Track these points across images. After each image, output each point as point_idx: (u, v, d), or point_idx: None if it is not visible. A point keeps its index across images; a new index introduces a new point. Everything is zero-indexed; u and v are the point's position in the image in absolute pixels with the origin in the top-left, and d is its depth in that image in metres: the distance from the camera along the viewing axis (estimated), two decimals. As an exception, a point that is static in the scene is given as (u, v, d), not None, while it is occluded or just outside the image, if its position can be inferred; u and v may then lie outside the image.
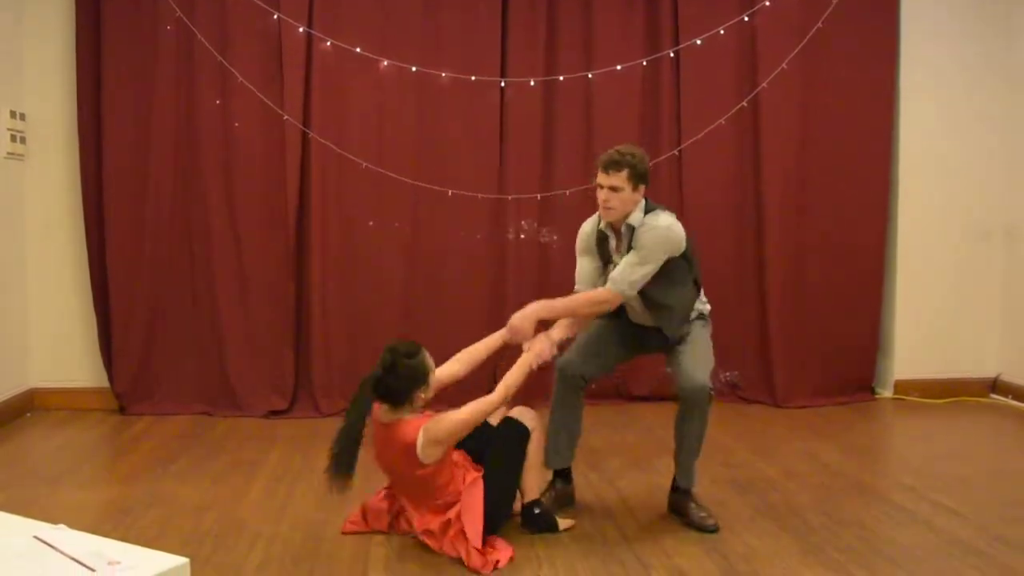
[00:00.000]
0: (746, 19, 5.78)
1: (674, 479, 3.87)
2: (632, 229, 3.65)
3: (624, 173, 3.58)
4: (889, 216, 6.14)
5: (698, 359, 3.72)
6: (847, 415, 5.77)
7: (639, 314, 3.79)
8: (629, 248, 3.65)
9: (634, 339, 3.89)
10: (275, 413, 5.62)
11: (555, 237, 5.67)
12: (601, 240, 3.76)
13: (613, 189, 3.59)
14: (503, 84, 5.68)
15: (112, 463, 4.81)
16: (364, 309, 5.75)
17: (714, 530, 3.65)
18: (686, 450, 3.80)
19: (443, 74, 5.60)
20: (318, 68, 5.62)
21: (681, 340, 3.78)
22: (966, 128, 6.14)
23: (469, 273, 5.81)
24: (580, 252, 3.87)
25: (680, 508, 3.80)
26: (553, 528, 3.62)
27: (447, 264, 5.80)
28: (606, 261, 3.77)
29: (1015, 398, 6.00)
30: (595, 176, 3.66)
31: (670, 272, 3.68)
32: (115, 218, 5.57)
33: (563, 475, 3.98)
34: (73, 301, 5.71)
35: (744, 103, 5.85)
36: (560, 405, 3.89)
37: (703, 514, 3.73)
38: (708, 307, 3.90)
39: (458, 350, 5.63)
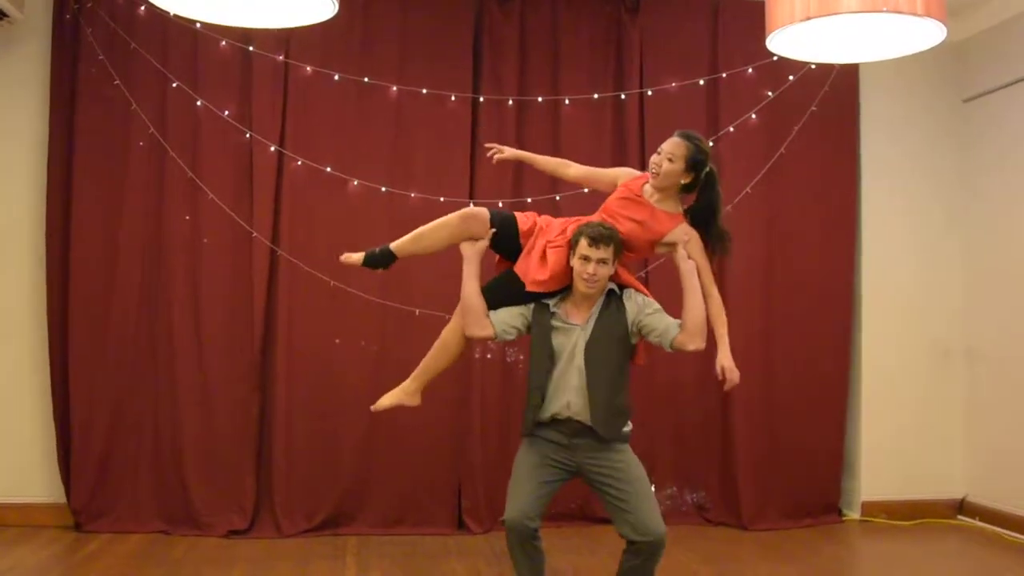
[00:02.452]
0: (711, 143, 5.90)
1: None
2: (612, 295, 3.69)
3: (612, 248, 3.61)
4: (852, 337, 6.20)
5: (650, 503, 3.66)
6: (813, 538, 5.72)
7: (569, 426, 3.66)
8: (597, 316, 3.66)
9: (556, 472, 3.74)
10: (235, 532, 5.50)
11: (521, 356, 5.68)
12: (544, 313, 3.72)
13: (602, 262, 3.60)
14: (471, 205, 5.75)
15: (63, 586, 4.69)
16: (328, 427, 5.68)
17: None
18: None
19: (412, 194, 5.67)
20: (288, 186, 5.67)
21: (611, 472, 3.67)
22: (927, 249, 6.29)
23: (434, 393, 5.75)
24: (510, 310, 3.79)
25: None
26: None
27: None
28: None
29: (982, 520, 5.98)
30: (573, 251, 3.64)
31: (623, 372, 3.71)
32: (79, 332, 5.51)
33: None
34: (32, 415, 5.62)
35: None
36: (521, 554, 3.71)
37: None
38: (630, 425, 3.80)
39: (421, 472, 5.68)
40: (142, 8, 5.45)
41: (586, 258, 3.60)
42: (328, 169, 5.59)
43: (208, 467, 5.59)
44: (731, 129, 5.90)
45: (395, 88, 5.71)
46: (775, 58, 4.84)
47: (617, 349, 3.69)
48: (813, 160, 6.07)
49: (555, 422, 3.68)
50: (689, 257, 3.74)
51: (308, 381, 5.68)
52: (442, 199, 5.62)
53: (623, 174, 3.94)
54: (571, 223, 3.78)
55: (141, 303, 5.61)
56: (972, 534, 5.87)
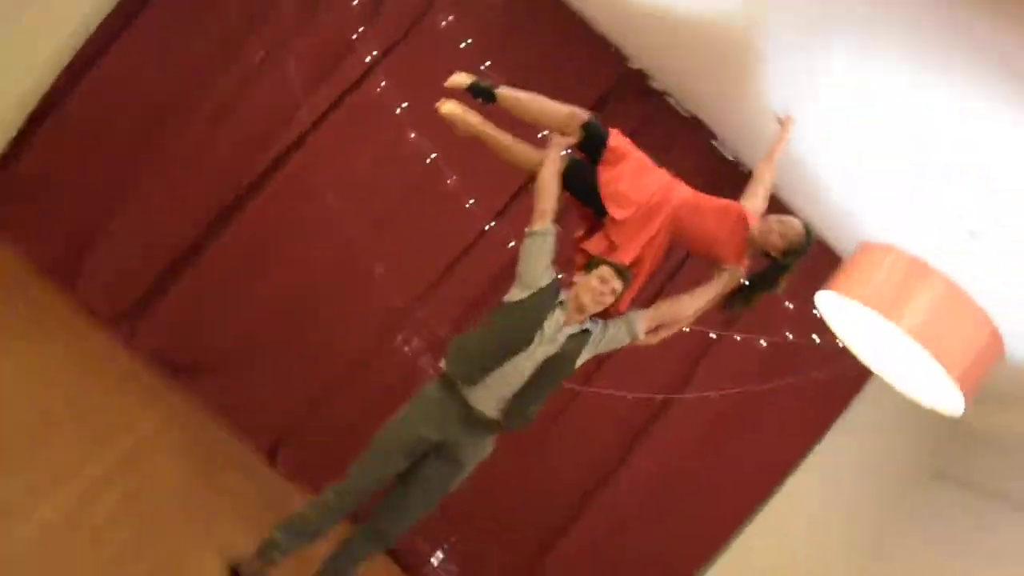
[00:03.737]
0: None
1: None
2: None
3: (624, 287, 3.90)
4: None
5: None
6: None
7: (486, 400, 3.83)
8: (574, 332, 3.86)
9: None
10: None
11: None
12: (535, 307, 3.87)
13: (613, 292, 3.86)
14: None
15: None
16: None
17: None
18: None
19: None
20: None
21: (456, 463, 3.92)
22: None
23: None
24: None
25: None
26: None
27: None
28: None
29: None
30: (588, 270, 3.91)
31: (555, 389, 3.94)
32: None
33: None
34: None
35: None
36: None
37: None
38: None
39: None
40: None
41: (604, 280, 3.82)
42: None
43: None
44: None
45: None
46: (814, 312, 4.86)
47: (567, 369, 3.90)
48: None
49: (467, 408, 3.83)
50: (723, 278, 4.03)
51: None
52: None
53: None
54: (671, 187, 3.99)
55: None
56: None
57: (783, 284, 4.01)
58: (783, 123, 4.31)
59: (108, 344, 5.30)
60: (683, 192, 4.01)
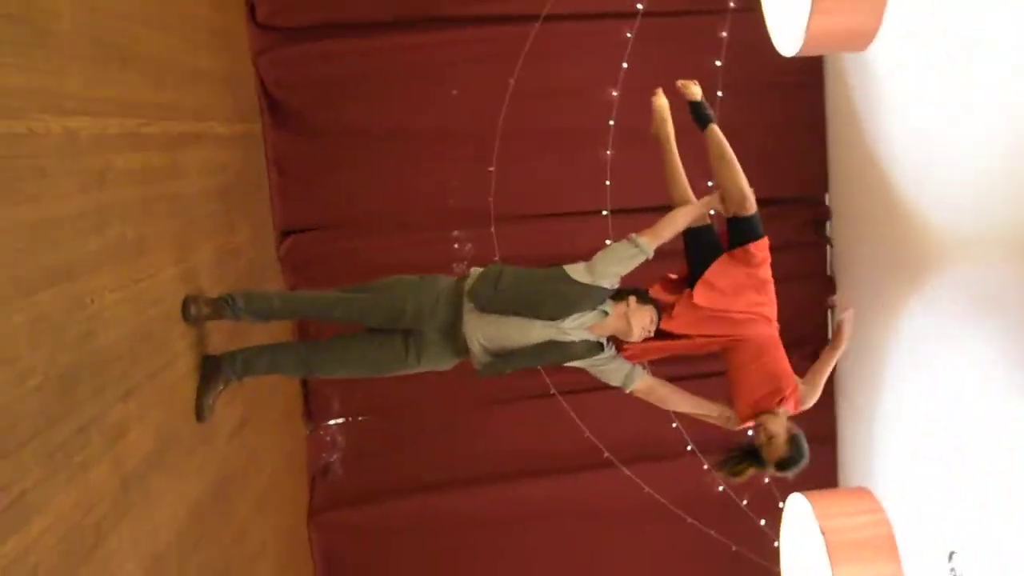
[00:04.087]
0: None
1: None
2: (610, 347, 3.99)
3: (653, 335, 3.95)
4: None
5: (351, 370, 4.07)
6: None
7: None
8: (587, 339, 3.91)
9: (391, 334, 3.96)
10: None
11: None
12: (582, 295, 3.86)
13: (648, 332, 3.90)
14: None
15: None
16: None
17: None
18: None
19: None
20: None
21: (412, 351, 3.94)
22: None
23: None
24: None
25: None
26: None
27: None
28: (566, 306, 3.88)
29: None
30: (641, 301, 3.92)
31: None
32: None
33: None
34: None
35: None
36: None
37: None
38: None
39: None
40: None
41: (652, 321, 3.89)
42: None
43: None
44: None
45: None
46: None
47: (558, 360, 3.96)
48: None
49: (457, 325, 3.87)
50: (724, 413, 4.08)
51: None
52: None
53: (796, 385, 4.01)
54: (760, 321, 3.95)
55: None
56: None
57: (770, 467, 3.97)
58: (840, 324, 4.20)
59: (239, 41, 5.32)
60: (764, 332, 3.99)
